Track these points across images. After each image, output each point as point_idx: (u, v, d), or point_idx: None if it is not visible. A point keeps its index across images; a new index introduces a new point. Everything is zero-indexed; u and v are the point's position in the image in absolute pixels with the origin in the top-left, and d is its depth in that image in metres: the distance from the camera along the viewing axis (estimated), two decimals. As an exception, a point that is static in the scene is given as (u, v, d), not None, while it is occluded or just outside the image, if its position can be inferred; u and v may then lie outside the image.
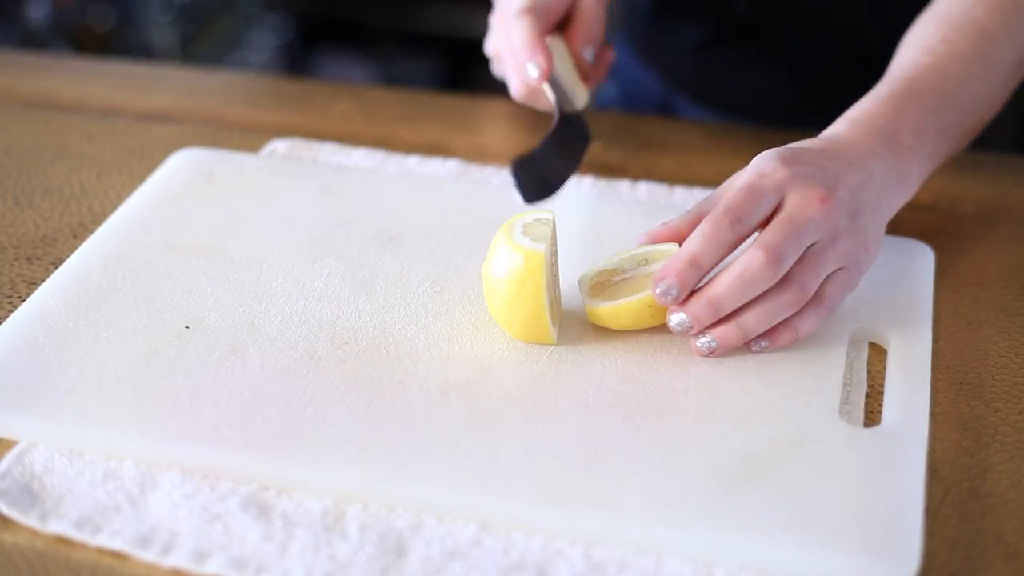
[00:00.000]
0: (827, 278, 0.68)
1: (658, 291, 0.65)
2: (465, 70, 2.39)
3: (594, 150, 0.94)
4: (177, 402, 0.64)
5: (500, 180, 0.88)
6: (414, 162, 0.91)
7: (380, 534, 0.58)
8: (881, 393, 0.67)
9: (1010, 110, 1.76)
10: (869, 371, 0.69)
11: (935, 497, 0.61)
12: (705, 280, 0.66)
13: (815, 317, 0.68)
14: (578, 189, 0.87)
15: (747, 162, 0.89)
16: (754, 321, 0.66)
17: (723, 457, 0.61)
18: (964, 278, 0.79)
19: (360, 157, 0.91)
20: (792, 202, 0.66)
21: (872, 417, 0.66)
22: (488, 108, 1.04)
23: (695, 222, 0.69)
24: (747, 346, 0.68)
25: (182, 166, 0.86)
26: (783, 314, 0.67)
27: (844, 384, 0.67)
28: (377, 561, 0.57)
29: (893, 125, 0.73)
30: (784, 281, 0.66)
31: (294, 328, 0.69)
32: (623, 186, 0.88)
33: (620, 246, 0.77)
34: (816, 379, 0.66)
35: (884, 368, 0.69)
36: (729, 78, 1.07)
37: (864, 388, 0.68)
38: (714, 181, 0.88)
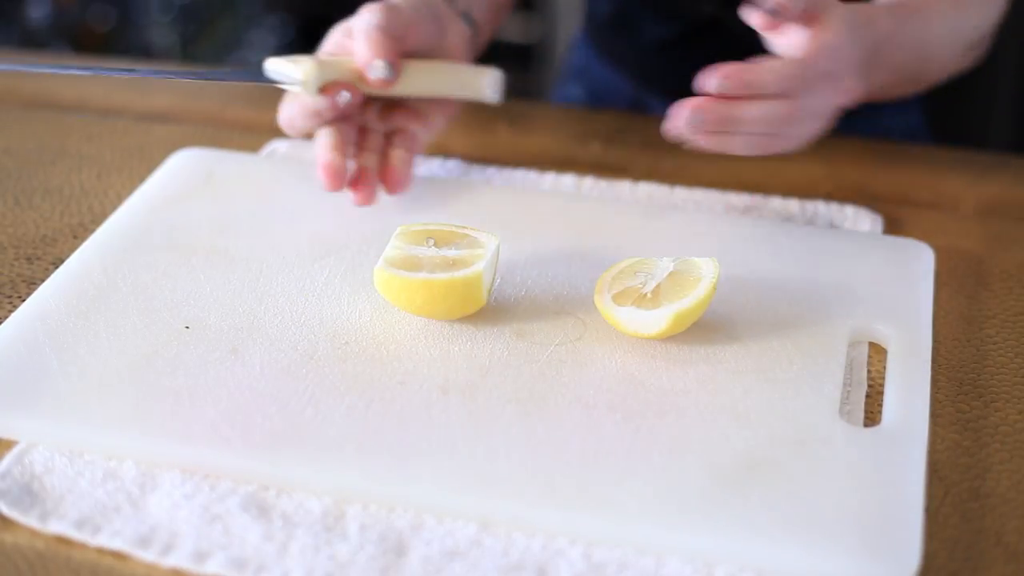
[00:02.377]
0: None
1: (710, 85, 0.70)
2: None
3: (595, 150, 0.94)
4: (177, 402, 0.64)
5: (501, 181, 0.88)
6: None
7: (380, 534, 0.58)
8: (881, 393, 0.67)
9: (1010, 110, 1.76)
10: (869, 371, 0.69)
11: (935, 497, 0.61)
12: None
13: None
14: (578, 189, 0.87)
15: (746, 163, 0.89)
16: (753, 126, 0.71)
17: (723, 457, 0.61)
18: (964, 278, 0.79)
19: (360, 157, 0.91)
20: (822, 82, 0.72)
21: (872, 417, 0.66)
22: (488, 108, 1.04)
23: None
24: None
25: (182, 166, 0.86)
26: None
27: (844, 384, 0.67)
28: (377, 561, 0.57)
29: (876, 44, 0.77)
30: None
31: (294, 328, 0.69)
32: (623, 186, 0.88)
33: (621, 246, 0.77)
34: (816, 379, 0.66)
35: (884, 368, 0.69)
36: (698, 76, 1.07)
37: (864, 388, 0.68)
38: (715, 182, 0.88)
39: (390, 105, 0.82)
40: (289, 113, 0.79)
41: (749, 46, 1.02)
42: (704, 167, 0.92)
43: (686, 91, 1.09)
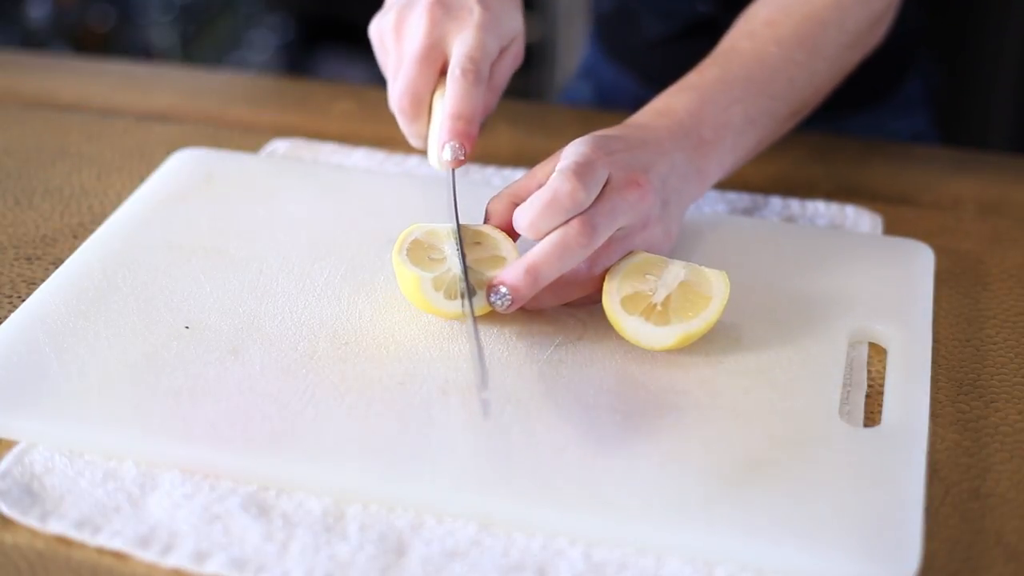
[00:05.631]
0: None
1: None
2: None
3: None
4: (177, 402, 0.64)
5: (500, 181, 0.88)
6: (414, 162, 0.91)
7: (380, 534, 0.58)
8: (881, 393, 0.67)
9: (1010, 110, 1.76)
10: (869, 371, 0.69)
11: (935, 497, 0.61)
12: None
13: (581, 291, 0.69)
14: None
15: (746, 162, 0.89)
16: (548, 298, 0.68)
17: (723, 457, 0.61)
18: (964, 278, 0.79)
19: (360, 157, 0.91)
20: (613, 183, 0.67)
21: (872, 417, 0.66)
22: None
23: (516, 202, 0.69)
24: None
25: (182, 166, 0.86)
26: (570, 286, 0.68)
27: (844, 384, 0.67)
28: (377, 561, 0.57)
29: (694, 120, 0.73)
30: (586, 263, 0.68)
31: (294, 328, 0.69)
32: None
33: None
34: (816, 379, 0.66)
35: (884, 368, 0.69)
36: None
37: (864, 388, 0.68)
38: (714, 181, 0.88)
39: None
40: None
41: None
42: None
43: None
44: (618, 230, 0.67)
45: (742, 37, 0.79)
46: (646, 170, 0.68)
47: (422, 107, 0.77)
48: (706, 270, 0.69)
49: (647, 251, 0.70)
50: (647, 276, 0.69)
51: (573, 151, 0.67)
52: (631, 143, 0.70)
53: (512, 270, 0.65)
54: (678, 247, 0.77)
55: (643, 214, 0.68)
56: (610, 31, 1.14)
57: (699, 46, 1.05)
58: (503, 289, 0.65)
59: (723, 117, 0.75)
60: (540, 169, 0.70)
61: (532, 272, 0.65)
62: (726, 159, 0.75)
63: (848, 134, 1.00)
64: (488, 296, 0.66)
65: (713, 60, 0.78)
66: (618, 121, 0.75)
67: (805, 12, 0.80)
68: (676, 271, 0.69)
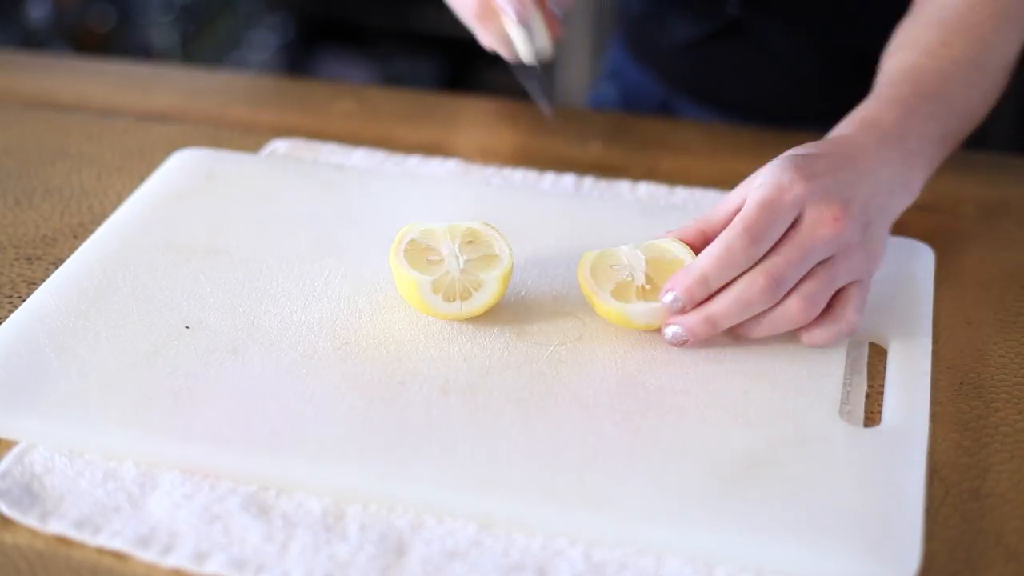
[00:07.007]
0: (839, 293, 0.68)
1: (665, 300, 0.66)
2: (465, 70, 2.39)
3: (594, 150, 0.94)
4: (177, 402, 0.64)
5: (500, 180, 0.88)
6: (414, 162, 0.91)
7: (380, 534, 0.58)
8: (881, 393, 0.67)
9: (1010, 110, 1.77)
10: (869, 371, 0.69)
11: (935, 497, 0.61)
12: None
13: (830, 332, 0.67)
14: (578, 189, 0.87)
15: (748, 163, 0.89)
16: (757, 331, 0.67)
17: (723, 457, 0.61)
18: (964, 278, 0.79)
19: (360, 157, 0.91)
20: (806, 222, 0.66)
21: (872, 417, 0.66)
22: (488, 108, 1.04)
23: (704, 231, 0.69)
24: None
25: (182, 166, 0.86)
26: (788, 327, 0.67)
27: (844, 384, 0.67)
28: (377, 561, 0.57)
29: (901, 130, 0.73)
30: (790, 294, 0.66)
31: (294, 328, 0.69)
32: (623, 186, 0.88)
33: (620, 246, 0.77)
34: (816, 379, 0.66)
35: (884, 368, 0.69)
36: (724, 76, 1.08)
37: (864, 388, 0.68)
38: (715, 181, 0.88)
39: None
40: None
41: (771, 49, 1.03)
42: (704, 167, 0.92)
43: (711, 92, 1.09)
44: (822, 261, 0.66)
45: (922, 56, 0.79)
46: (847, 198, 0.67)
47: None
48: (656, 242, 0.70)
49: (860, 278, 0.68)
50: (612, 267, 0.69)
51: (767, 178, 0.66)
52: (836, 162, 0.68)
53: (693, 316, 0.66)
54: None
55: (842, 244, 0.66)
56: (637, 34, 1.15)
57: (725, 49, 1.05)
58: (680, 330, 0.67)
59: (925, 130, 0.74)
60: (736, 194, 0.69)
61: (711, 321, 0.66)
62: (926, 171, 0.75)
63: None
64: (664, 329, 0.67)
65: (904, 76, 0.77)
66: (620, 120, 0.75)
67: (973, 36, 0.80)
68: (633, 252, 0.70)
